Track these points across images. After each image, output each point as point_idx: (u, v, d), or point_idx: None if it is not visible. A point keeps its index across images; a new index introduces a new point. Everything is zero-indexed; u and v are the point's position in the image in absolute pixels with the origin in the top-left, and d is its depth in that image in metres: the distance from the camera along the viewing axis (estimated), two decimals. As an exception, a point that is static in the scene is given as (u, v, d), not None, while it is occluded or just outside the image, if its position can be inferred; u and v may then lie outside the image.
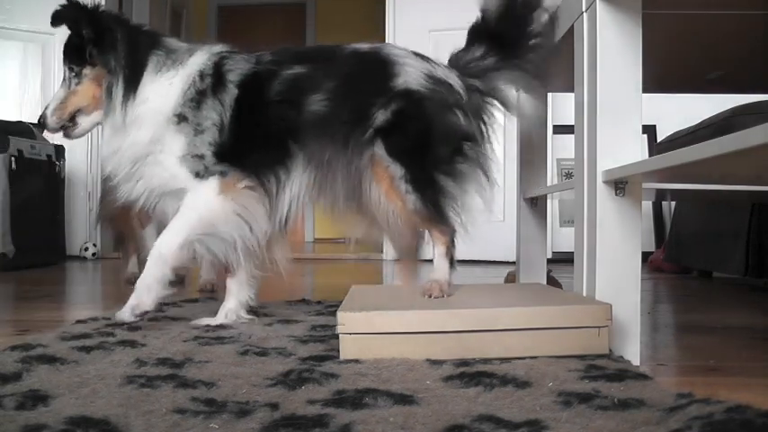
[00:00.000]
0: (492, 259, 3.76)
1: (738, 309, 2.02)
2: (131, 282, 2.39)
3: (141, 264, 2.25)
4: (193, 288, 2.23)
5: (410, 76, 1.44)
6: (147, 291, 1.38)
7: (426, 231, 1.51)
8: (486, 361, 1.05)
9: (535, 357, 1.06)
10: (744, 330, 1.60)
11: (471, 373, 0.96)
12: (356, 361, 1.06)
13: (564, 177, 3.90)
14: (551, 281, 1.92)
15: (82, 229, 4.00)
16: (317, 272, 3.31)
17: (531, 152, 1.97)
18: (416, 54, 1.50)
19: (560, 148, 3.83)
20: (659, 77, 1.78)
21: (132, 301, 1.38)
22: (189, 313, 1.61)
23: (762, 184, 1.36)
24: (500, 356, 1.07)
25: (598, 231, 1.16)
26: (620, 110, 1.17)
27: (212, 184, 1.42)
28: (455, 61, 1.56)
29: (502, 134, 4.20)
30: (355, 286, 1.51)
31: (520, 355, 1.07)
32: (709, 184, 1.37)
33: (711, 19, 1.31)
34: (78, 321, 1.48)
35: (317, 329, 1.38)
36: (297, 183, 1.48)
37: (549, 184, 2.11)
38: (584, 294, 1.21)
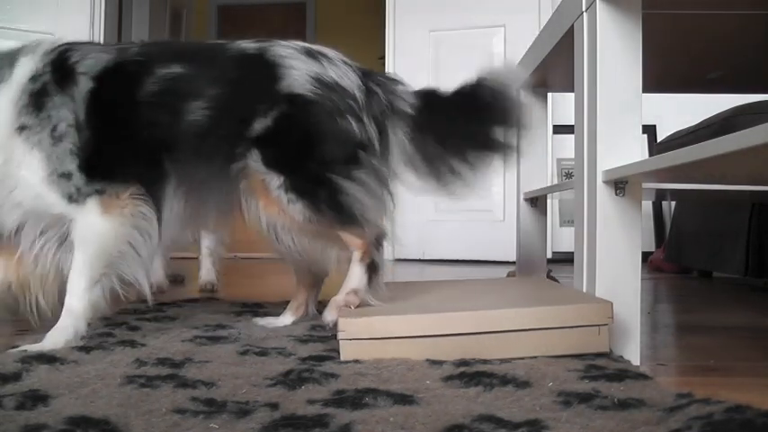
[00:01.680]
0: (492, 259, 3.76)
1: (738, 309, 2.02)
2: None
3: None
4: (193, 288, 2.23)
5: (295, 79, 1.30)
6: (53, 346, 1.17)
7: (339, 241, 1.33)
8: (485, 361, 1.05)
9: (535, 357, 1.06)
10: (744, 330, 1.60)
11: (471, 373, 0.96)
12: (356, 361, 1.06)
13: (564, 177, 3.90)
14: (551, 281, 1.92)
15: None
16: (317, 272, 3.31)
17: (531, 152, 1.97)
18: (310, 53, 1.35)
19: (560, 148, 3.83)
20: (659, 77, 1.78)
21: (35, 347, 1.16)
22: (189, 313, 1.61)
23: (762, 184, 1.36)
24: (500, 357, 1.07)
25: (598, 231, 1.16)
26: (620, 110, 1.17)
27: (91, 207, 1.25)
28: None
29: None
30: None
31: (520, 354, 1.07)
32: (709, 184, 1.37)
33: (711, 19, 1.31)
34: (78, 321, 1.48)
35: (316, 329, 1.38)
36: (168, 208, 1.31)
37: (548, 184, 2.11)
38: (584, 292, 1.21)
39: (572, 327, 1.08)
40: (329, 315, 1.26)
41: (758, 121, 0.77)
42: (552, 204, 3.79)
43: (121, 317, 1.54)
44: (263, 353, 1.14)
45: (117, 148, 1.29)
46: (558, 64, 1.62)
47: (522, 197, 1.96)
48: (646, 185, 1.38)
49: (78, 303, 1.24)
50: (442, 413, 0.78)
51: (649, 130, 3.66)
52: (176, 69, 1.31)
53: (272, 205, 1.29)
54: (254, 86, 1.31)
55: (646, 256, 3.22)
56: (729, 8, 1.26)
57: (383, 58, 4.11)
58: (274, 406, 0.82)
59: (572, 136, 1.33)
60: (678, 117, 3.09)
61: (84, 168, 1.25)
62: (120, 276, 1.28)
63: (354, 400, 0.84)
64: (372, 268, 1.33)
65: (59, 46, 1.32)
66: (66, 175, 1.25)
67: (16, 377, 0.95)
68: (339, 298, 1.28)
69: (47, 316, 1.33)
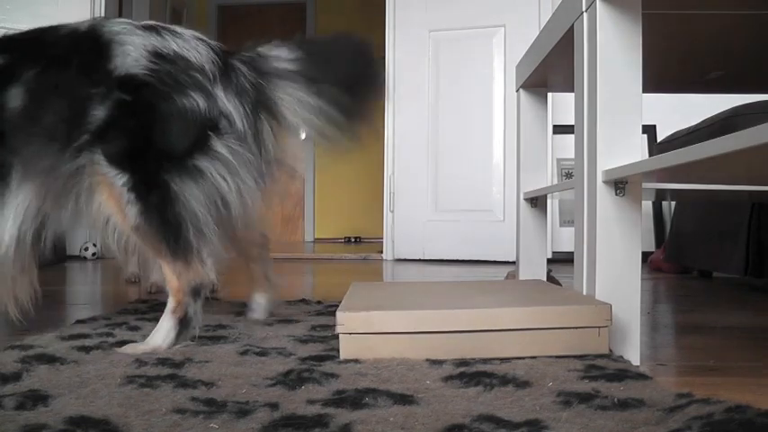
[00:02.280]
0: (492, 259, 3.77)
1: (738, 309, 2.02)
2: (131, 281, 2.40)
3: (142, 263, 2.26)
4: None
5: (128, 58, 1.18)
6: None
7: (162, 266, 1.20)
8: (485, 361, 1.05)
9: (535, 357, 1.06)
10: (744, 330, 1.60)
11: (471, 373, 0.96)
12: (356, 361, 1.06)
13: (564, 177, 3.90)
14: (551, 281, 1.92)
15: (82, 229, 3.99)
16: (317, 272, 3.31)
17: (531, 152, 1.97)
18: (148, 27, 1.24)
19: (560, 148, 3.84)
20: (659, 77, 1.78)
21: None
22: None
23: (762, 184, 1.36)
24: (500, 356, 1.07)
25: (598, 231, 1.16)
26: (620, 110, 1.17)
27: None
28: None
29: (502, 134, 4.20)
30: (355, 283, 1.51)
31: (520, 354, 1.07)
32: (709, 184, 1.37)
33: (711, 19, 1.31)
34: (78, 321, 1.48)
35: (317, 329, 1.38)
36: (20, 198, 1.21)
37: (548, 184, 2.11)
38: (584, 294, 1.21)
39: (571, 328, 1.08)
40: (125, 349, 1.15)
41: (758, 121, 0.77)
42: (552, 204, 3.80)
43: (121, 317, 1.54)
44: (263, 353, 1.14)
45: None
46: (558, 64, 1.61)
47: (522, 197, 1.96)
48: (646, 185, 1.38)
49: None
50: (442, 413, 0.79)
51: (649, 130, 3.66)
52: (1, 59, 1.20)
53: (111, 200, 1.18)
54: (83, 68, 1.19)
55: (646, 256, 3.22)
56: (729, 8, 1.26)
57: (383, 58, 4.12)
58: (274, 406, 0.82)
59: (572, 136, 1.33)
60: (678, 117, 3.09)
61: None
62: None
63: (354, 400, 0.84)
64: (184, 323, 1.20)
65: None
66: None
67: (16, 377, 0.95)
68: (138, 348, 1.16)
69: None
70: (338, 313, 1.10)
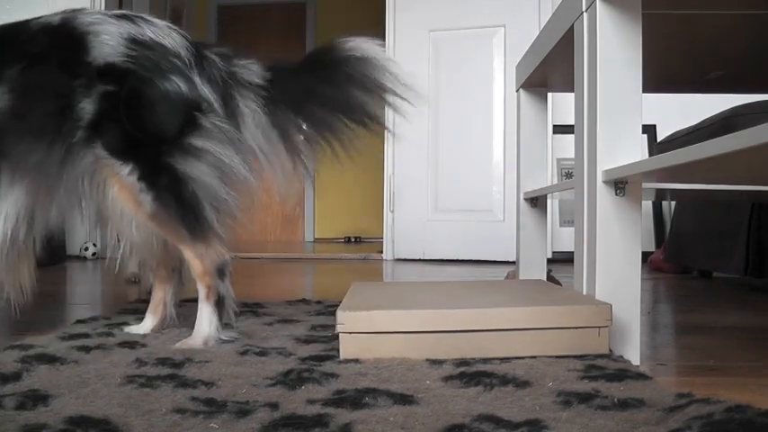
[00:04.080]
0: (492, 259, 3.77)
1: (738, 309, 2.02)
2: (131, 281, 2.40)
3: (142, 264, 2.26)
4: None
5: (106, 47, 1.18)
6: None
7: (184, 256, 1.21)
8: (485, 361, 1.05)
9: (535, 357, 1.06)
10: (744, 330, 1.60)
11: (471, 373, 0.96)
12: (356, 361, 1.06)
13: (564, 177, 3.90)
14: (551, 281, 1.92)
15: (82, 229, 4.00)
16: (317, 272, 3.32)
17: (531, 152, 1.97)
18: (124, 16, 1.24)
19: (560, 148, 3.84)
20: (659, 77, 1.78)
21: None
22: (189, 313, 1.61)
23: (762, 184, 1.36)
24: (500, 356, 1.07)
25: (598, 231, 1.16)
26: (620, 110, 1.17)
27: None
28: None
29: (502, 134, 4.20)
30: (356, 283, 1.51)
31: (520, 354, 1.07)
32: (709, 184, 1.37)
33: (711, 19, 1.31)
34: (78, 321, 1.48)
35: (317, 329, 1.38)
36: (10, 199, 1.20)
37: (548, 184, 2.11)
38: (584, 294, 1.21)
39: (571, 328, 1.08)
40: (179, 346, 1.17)
41: (758, 121, 0.77)
42: (552, 204, 3.80)
43: (121, 317, 1.54)
44: (263, 353, 1.14)
45: None
46: (558, 64, 1.61)
47: (522, 197, 1.96)
48: (646, 185, 1.38)
49: None
50: (442, 413, 0.79)
51: (649, 130, 3.66)
52: None
53: (124, 192, 1.19)
54: (61, 61, 1.19)
55: (646, 256, 3.22)
56: (729, 8, 1.26)
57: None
58: (274, 406, 0.82)
59: (572, 136, 1.33)
60: (678, 117, 3.09)
61: None
62: None
63: (354, 399, 0.84)
64: (220, 304, 1.23)
65: None
66: None
67: (16, 377, 0.95)
68: (188, 343, 1.19)
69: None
70: (339, 312, 1.10)
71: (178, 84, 1.18)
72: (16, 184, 1.20)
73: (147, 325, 1.37)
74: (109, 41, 1.18)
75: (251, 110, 1.27)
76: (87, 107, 1.17)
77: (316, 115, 1.30)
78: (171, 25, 1.27)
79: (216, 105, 1.22)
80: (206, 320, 1.21)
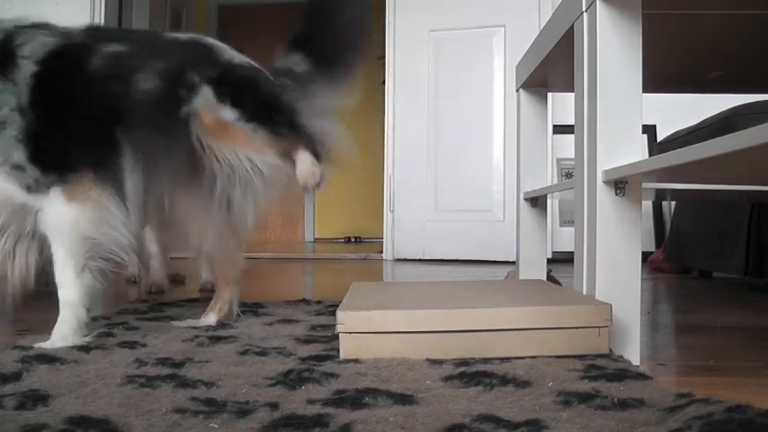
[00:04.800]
0: (492, 259, 3.77)
1: (738, 309, 2.02)
2: (131, 281, 2.40)
3: (142, 263, 2.26)
4: (194, 288, 2.23)
5: (233, 56, 1.48)
6: (63, 341, 1.20)
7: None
8: (486, 361, 1.05)
9: (535, 357, 1.06)
10: (744, 330, 1.60)
11: (471, 373, 0.96)
12: (356, 361, 1.06)
13: (564, 177, 3.90)
14: (551, 281, 1.92)
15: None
16: (317, 272, 3.31)
17: (531, 152, 1.97)
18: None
19: (560, 148, 3.84)
20: (659, 77, 1.78)
21: (46, 345, 1.19)
22: (189, 313, 1.61)
23: (762, 184, 1.36)
24: (500, 356, 1.07)
25: (598, 231, 1.16)
26: (620, 110, 1.17)
27: (56, 195, 1.23)
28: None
29: (502, 134, 4.20)
30: (356, 283, 1.51)
31: (520, 354, 1.07)
32: (709, 184, 1.37)
33: (712, 19, 1.31)
34: (78, 321, 1.48)
35: (317, 329, 1.38)
36: (130, 183, 1.32)
37: (548, 183, 2.11)
38: (584, 294, 1.21)
39: (571, 328, 1.08)
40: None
41: (758, 121, 0.77)
42: (552, 204, 3.80)
43: (121, 317, 1.54)
44: (263, 353, 1.14)
45: (68, 132, 1.26)
46: (558, 64, 1.61)
47: (522, 197, 1.96)
48: (646, 185, 1.38)
49: (72, 293, 1.26)
50: (442, 413, 0.79)
51: (649, 130, 3.66)
52: (119, 48, 1.35)
53: (234, 136, 1.38)
54: (195, 60, 1.42)
55: (646, 256, 3.22)
56: (729, 8, 1.26)
57: (383, 57, 4.11)
58: (274, 406, 0.82)
59: (572, 136, 1.33)
60: (678, 117, 3.09)
61: (36, 160, 1.22)
62: (106, 257, 1.28)
63: (354, 399, 0.84)
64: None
65: (8, 27, 1.30)
66: (19, 167, 1.22)
67: (16, 377, 0.95)
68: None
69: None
70: (339, 312, 1.10)
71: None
72: (138, 167, 1.33)
73: (210, 319, 1.48)
74: (234, 54, 1.49)
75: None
76: (208, 73, 1.44)
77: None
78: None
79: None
80: (307, 161, 1.46)
